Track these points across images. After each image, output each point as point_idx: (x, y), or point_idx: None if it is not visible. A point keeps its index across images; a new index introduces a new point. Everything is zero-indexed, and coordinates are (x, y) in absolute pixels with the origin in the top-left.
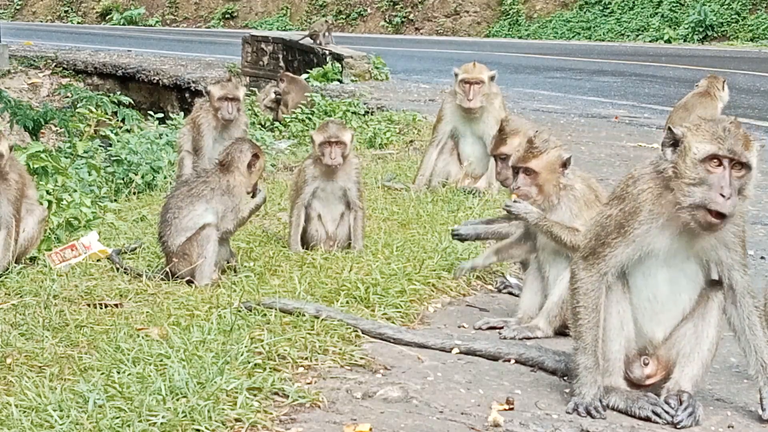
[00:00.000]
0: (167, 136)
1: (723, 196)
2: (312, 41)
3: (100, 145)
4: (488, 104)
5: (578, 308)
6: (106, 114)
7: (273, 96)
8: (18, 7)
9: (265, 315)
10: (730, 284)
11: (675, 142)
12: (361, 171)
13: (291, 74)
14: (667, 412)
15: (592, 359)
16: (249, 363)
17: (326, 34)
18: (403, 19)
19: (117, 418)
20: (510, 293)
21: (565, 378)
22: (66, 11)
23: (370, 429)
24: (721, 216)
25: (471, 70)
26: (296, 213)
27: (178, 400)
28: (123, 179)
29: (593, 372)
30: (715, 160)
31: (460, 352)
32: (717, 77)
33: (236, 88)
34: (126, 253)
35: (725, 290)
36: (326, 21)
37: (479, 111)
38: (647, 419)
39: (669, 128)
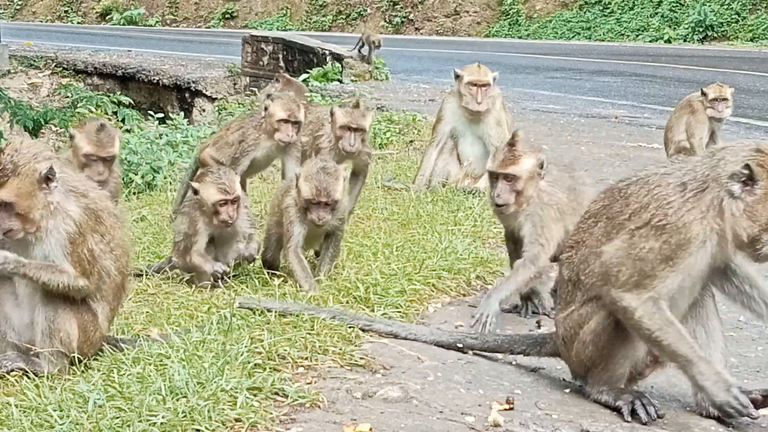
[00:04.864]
0: (167, 136)
1: None
2: (361, 48)
3: None
4: (490, 105)
5: (654, 334)
6: (106, 114)
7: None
8: (18, 7)
9: (264, 315)
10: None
11: (747, 177)
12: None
13: (287, 76)
14: (641, 413)
15: (703, 364)
16: (249, 363)
17: (371, 47)
18: (403, 19)
19: (117, 418)
20: None
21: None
22: (66, 11)
23: (370, 429)
24: None
25: (478, 72)
26: (293, 257)
27: (178, 400)
28: (123, 179)
29: (710, 372)
30: None
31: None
32: (722, 88)
33: (298, 107)
34: None
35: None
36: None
37: (483, 112)
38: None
39: (747, 164)
